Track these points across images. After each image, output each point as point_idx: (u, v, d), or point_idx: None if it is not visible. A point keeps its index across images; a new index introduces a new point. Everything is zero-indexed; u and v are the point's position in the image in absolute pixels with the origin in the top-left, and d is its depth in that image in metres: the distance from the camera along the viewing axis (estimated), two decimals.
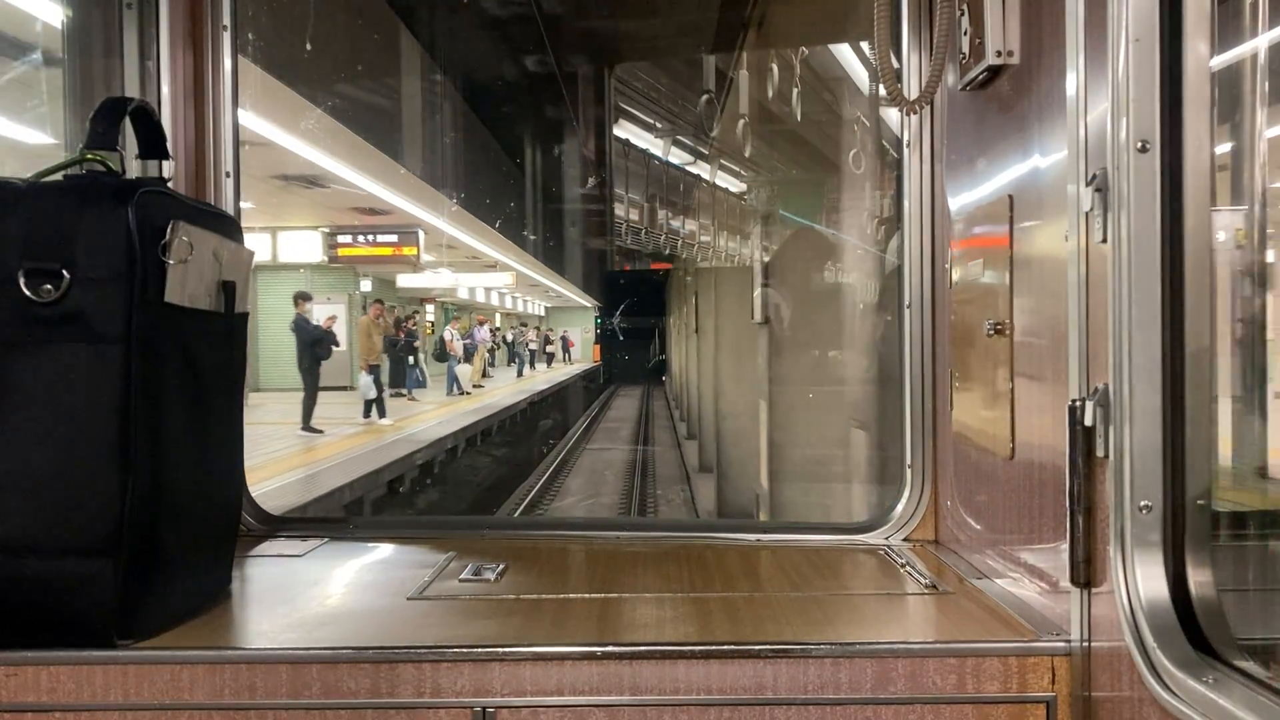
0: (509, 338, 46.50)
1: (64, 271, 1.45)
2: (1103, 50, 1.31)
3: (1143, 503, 1.29)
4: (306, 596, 1.80)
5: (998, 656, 1.48)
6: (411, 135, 15.13)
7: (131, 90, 2.13)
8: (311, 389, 15.64)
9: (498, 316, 49.59)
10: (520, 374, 37.13)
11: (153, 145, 1.78)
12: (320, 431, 15.19)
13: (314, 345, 15.76)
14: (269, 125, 10.95)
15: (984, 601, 1.71)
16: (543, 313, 61.07)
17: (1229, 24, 1.33)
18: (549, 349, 51.49)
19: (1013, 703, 1.47)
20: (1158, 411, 1.28)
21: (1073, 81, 1.40)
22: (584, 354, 59.04)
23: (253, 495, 2.26)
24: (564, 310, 61.46)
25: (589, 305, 53.60)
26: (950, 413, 2.07)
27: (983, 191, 1.87)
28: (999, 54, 1.69)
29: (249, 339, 1.88)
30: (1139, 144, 1.27)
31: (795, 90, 8.03)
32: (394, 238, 21.66)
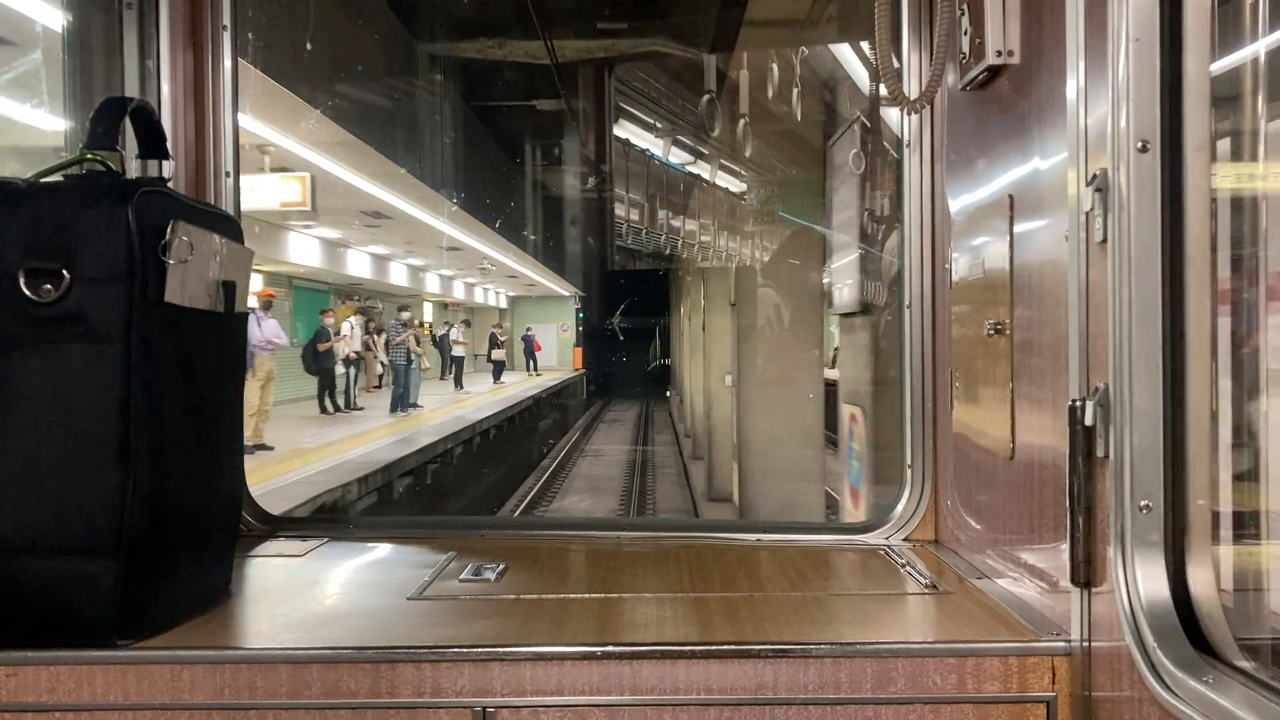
0: (428, 335, 26.98)
1: (64, 271, 1.45)
2: (1103, 50, 1.31)
3: (1143, 502, 1.29)
4: (306, 597, 1.80)
5: (998, 656, 1.48)
6: None
7: (131, 90, 2.13)
8: None
9: (427, 307, 35.22)
10: (403, 406, 19.66)
11: (153, 145, 1.78)
12: None
13: None
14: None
15: (984, 601, 1.71)
16: (504, 304, 45.64)
17: (1229, 24, 1.33)
18: (495, 355, 31.75)
19: (1013, 702, 1.47)
20: (1158, 411, 1.28)
21: (1073, 81, 1.40)
22: (561, 359, 43.11)
23: (253, 495, 2.26)
24: (535, 302, 45.96)
25: (567, 294, 40.54)
26: (950, 413, 2.07)
27: (983, 191, 1.87)
28: (999, 54, 1.70)
29: None
30: (1139, 144, 1.27)
31: (795, 90, 8.03)
32: None
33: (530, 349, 39.23)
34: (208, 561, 1.75)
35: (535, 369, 38.52)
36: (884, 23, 1.75)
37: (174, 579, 1.59)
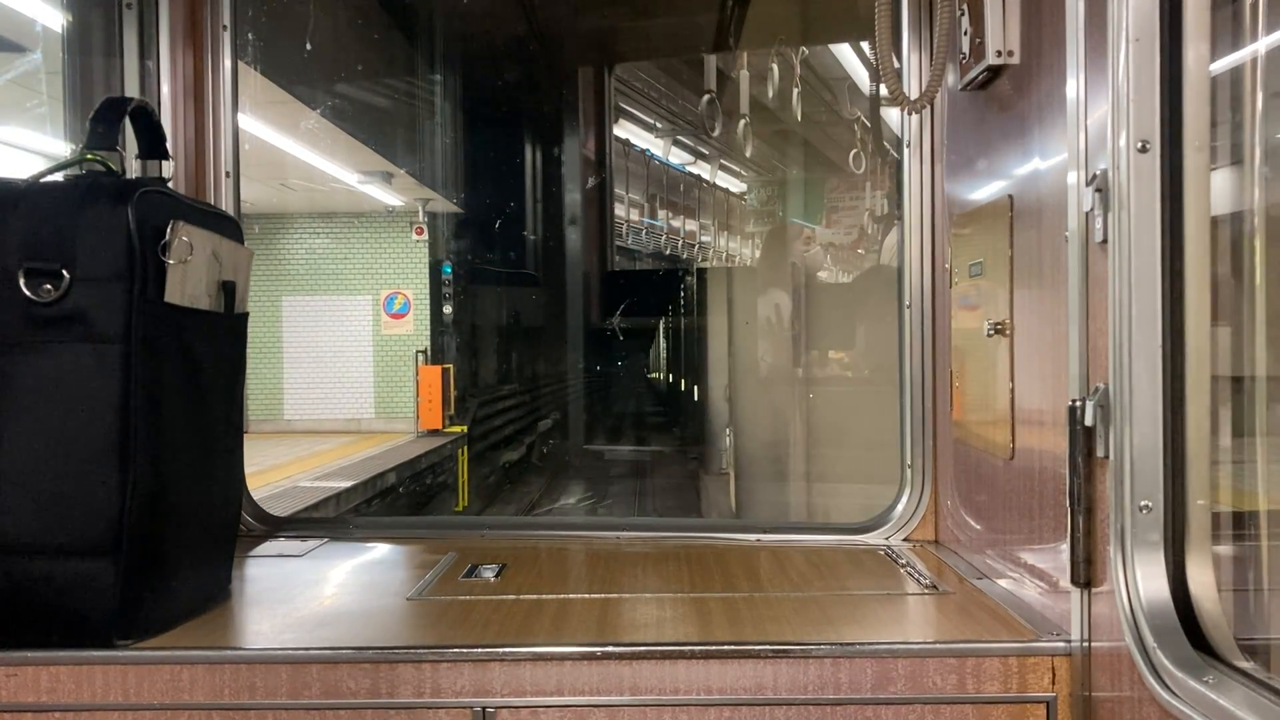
0: None
1: (64, 271, 1.45)
2: (1103, 50, 1.31)
3: (1143, 503, 1.29)
4: (306, 597, 1.80)
5: (998, 656, 1.48)
6: None
7: (131, 90, 2.13)
8: None
9: None
10: None
11: (153, 145, 1.78)
12: None
13: None
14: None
15: (984, 602, 1.71)
16: None
17: (1229, 25, 1.33)
18: None
19: (1013, 703, 1.47)
20: (1158, 411, 1.28)
21: (1073, 82, 1.40)
22: (388, 399, 14.71)
23: (253, 496, 2.26)
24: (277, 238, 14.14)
25: (397, 203, 13.04)
26: (950, 413, 2.07)
27: (983, 192, 1.87)
28: (999, 54, 1.70)
29: None
30: (1139, 144, 1.27)
31: (795, 90, 8.03)
32: None
33: None
34: (208, 561, 1.75)
35: None
36: (884, 23, 1.75)
37: (174, 579, 1.59)
